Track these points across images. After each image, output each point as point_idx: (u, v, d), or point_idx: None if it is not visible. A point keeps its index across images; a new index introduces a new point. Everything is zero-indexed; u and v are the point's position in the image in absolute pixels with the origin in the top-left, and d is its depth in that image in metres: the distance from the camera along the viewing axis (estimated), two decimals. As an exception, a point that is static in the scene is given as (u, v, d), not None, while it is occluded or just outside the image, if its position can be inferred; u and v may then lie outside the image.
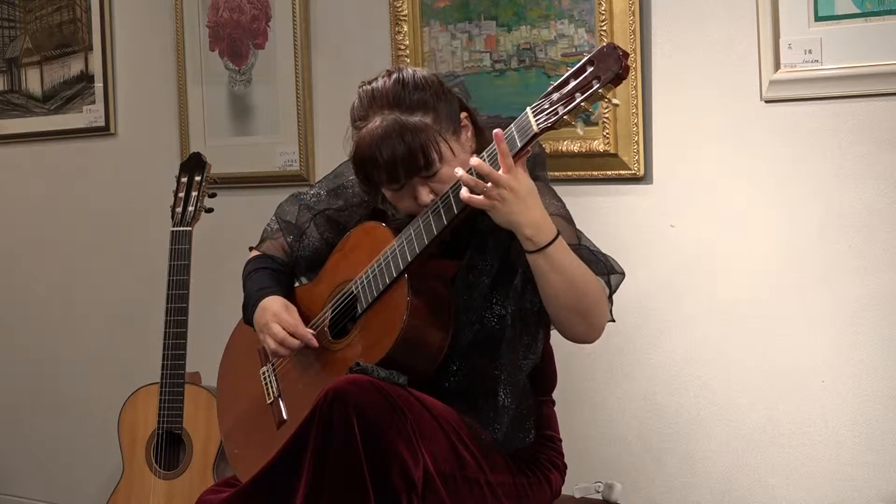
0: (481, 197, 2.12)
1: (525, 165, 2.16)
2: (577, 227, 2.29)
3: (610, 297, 2.25)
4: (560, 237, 2.15)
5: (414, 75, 2.27)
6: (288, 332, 2.34)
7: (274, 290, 2.43)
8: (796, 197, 2.77)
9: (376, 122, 2.23)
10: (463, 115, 2.30)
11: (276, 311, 2.37)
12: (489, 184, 2.11)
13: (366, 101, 2.27)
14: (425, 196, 2.23)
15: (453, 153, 2.24)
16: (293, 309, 2.39)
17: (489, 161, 2.14)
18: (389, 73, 2.29)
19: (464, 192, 2.14)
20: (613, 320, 2.28)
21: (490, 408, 2.26)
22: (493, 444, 2.27)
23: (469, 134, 2.30)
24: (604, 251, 2.28)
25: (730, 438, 2.88)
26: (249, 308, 2.45)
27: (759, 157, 2.81)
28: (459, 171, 2.15)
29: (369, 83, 2.29)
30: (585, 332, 2.25)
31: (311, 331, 2.35)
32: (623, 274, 2.27)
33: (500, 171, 2.11)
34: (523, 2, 3.11)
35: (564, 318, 2.22)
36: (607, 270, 2.24)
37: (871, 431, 2.70)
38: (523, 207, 2.12)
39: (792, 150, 2.76)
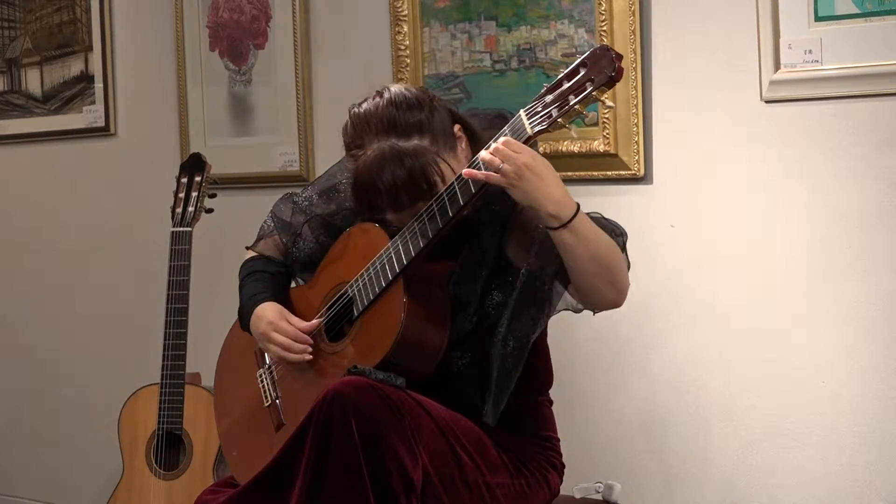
0: (497, 175, 2.11)
1: None
2: None
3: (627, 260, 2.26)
4: (581, 211, 2.14)
5: (405, 94, 2.25)
6: (290, 338, 2.35)
7: (266, 296, 2.43)
8: (796, 197, 2.77)
9: (373, 151, 2.22)
10: (456, 127, 2.29)
11: (271, 319, 2.37)
12: (505, 164, 2.10)
13: (359, 126, 2.25)
14: None
15: (453, 171, 2.23)
16: (288, 314, 2.39)
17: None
18: (380, 94, 2.27)
19: (480, 173, 2.13)
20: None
21: (490, 382, 2.25)
22: (487, 415, 2.26)
23: (464, 145, 2.29)
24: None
25: (730, 438, 2.88)
26: (245, 316, 2.45)
27: (759, 157, 2.81)
28: (483, 153, 2.12)
29: (360, 105, 2.28)
30: (614, 297, 2.24)
31: (311, 328, 2.35)
32: (625, 234, 2.28)
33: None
34: (523, 2, 3.11)
35: (594, 288, 2.21)
36: (620, 232, 2.25)
37: (871, 431, 2.70)
38: (541, 184, 2.11)
39: (792, 150, 2.76)
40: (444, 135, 2.25)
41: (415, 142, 2.21)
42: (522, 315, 2.24)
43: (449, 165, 2.23)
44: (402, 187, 2.20)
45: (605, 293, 2.22)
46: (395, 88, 2.28)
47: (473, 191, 2.16)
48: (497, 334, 2.24)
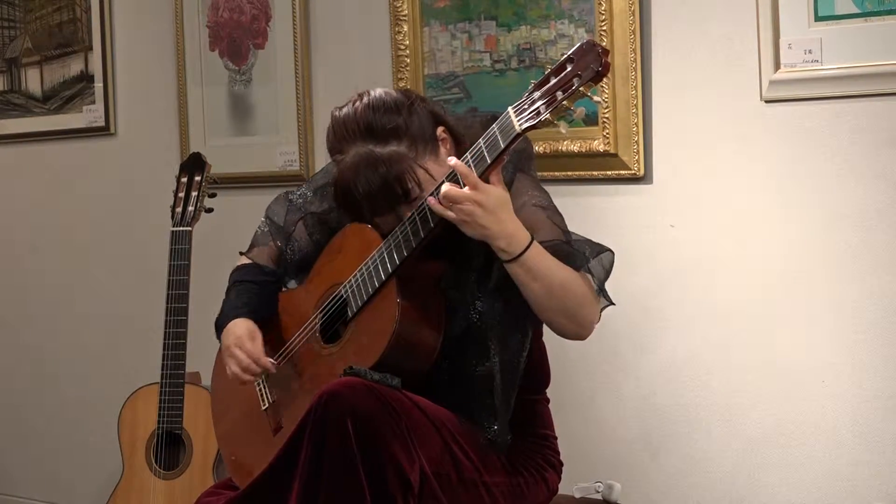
0: (451, 213, 2.13)
1: (500, 175, 2.17)
2: (570, 222, 2.28)
3: (602, 284, 2.24)
4: (534, 244, 2.16)
5: (384, 98, 2.26)
6: (252, 360, 2.34)
7: (244, 312, 2.42)
8: (796, 197, 2.77)
9: (351, 157, 2.23)
10: (440, 129, 2.29)
11: (239, 335, 2.37)
12: (454, 207, 2.12)
13: (339, 130, 2.27)
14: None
15: (432, 176, 2.24)
16: (258, 336, 2.38)
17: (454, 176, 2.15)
18: (360, 97, 2.28)
19: (437, 207, 2.15)
20: (613, 304, 2.27)
21: (484, 408, 2.26)
22: (490, 445, 2.27)
23: (448, 146, 2.29)
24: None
25: (730, 438, 2.88)
26: (219, 328, 2.45)
27: (759, 157, 2.81)
28: (431, 201, 2.16)
29: (340, 109, 2.29)
30: (575, 330, 2.25)
31: (272, 360, 2.35)
32: (610, 251, 2.26)
33: (465, 189, 2.12)
34: (523, 2, 3.11)
35: (552, 321, 2.23)
36: (588, 258, 2.23)
37: (871, 431, 2.70)
38: (493, 220, 2.13)
39: (792, 150, 2.76)
40: (423, 139, 2.25)
41: (392, 147, 2.22)
42: (509, 341, 2.26)
43: (427, 170, 2.24)
44: (377, 194, 2.22)
45: (563, 326, 2.23)
46: (376, 92, 2.29)
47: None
48: (485, 362, 2.25)
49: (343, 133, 2.26)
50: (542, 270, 2.16)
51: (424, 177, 2.23)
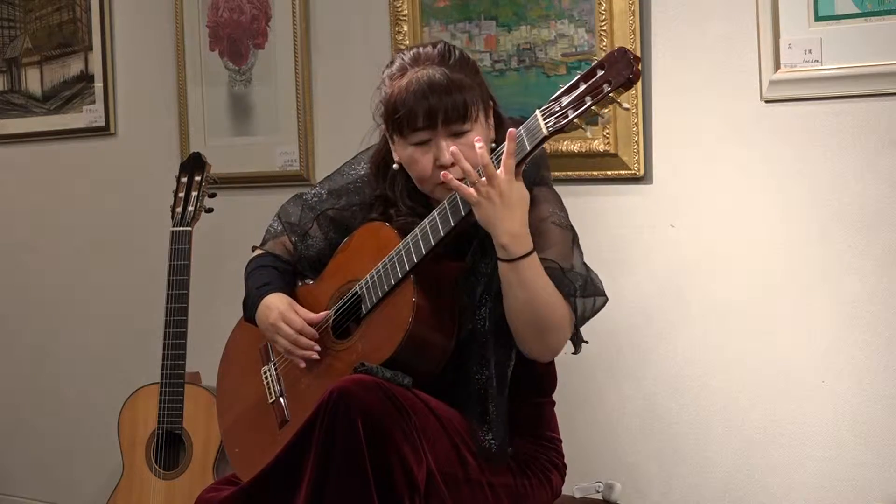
0: (470, 189, 2.13)
1: (521, 178, 2.16)
2: (578, 233, 2.29)
3: (578, 321, 2.24)
4: (533, 255, 2.15)
5: (460, 51, 2.31)
6: (297, 331, 2.34)
7: (276, 287, 2.43)
8: (796, 197, 2.77)
9: (421, 70, 2.25)
10: (489, 101, 2.32)
11: (282, 310, 2.37)
12: (483, 178, 2.12)
13: (409, 60, 2.29)
14: (446, 155, 2.22)
15: (485, 121, 2.26)
16: (299, 307, 2.39)
17: (494, 159, 2.15)
18: (433, 45, 2.31)
19: (454, 182, 2.15)
20: (587, 342, 2.28)
21: (479, 415, 2.27)
22: (486, 453, 2.26)
23: (491, 121, 2.31)
24: (593, 266, 2.28)
25: (730, 438, 2.88)
26: (250, 305, 2.44)
27: (759, 157, 2.81)
28: (448, 175, 2.16)
29: (410, 49, 2.32)
30: (539, 350, 2.25)
31: (315, 332, 2.35)
32: (604, 297, 2.26)
33: (499, 171, 2.12)
34: (523, 2, 3.11)
35: (520, 332, 2.22)
36: (577, 292, 2.22)
37: (871, 431, 2.70)
38: (507, 214, 2.13)
39: (792, 150, 2.76)
40: (483, 89, 2.28)
41: (462, 75, 2.25)
42: (504, 349, 2.26)
43: (484, 114, 2.26)
44: (441, 102, 2.22)
45: (530, 343, 2.23)
46: (449, 43, 2.34)
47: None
48: (483, 370, 2.26)
49: (413, 61, 2.28)
50: (532, 282, 2.16)
51: (481, 116, 2.26)
